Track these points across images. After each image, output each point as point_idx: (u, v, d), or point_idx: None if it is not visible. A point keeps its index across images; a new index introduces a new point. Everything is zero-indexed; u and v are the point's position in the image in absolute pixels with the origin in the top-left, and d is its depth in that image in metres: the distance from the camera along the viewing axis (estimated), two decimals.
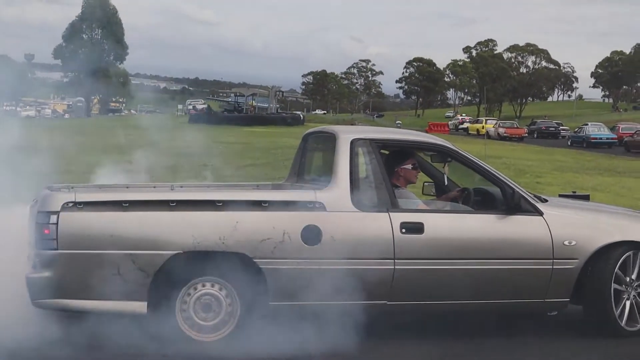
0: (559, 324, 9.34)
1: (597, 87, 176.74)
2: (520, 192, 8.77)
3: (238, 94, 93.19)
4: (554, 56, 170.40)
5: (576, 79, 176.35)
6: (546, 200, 9.13)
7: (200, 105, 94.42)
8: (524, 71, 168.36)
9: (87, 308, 7.85)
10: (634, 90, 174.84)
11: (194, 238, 7.88)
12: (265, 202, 8.17)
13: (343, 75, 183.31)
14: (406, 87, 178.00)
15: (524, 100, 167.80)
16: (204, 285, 7.99)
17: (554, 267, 8.68)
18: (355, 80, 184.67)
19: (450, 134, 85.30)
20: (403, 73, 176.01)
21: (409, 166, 9.10)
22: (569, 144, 69.03)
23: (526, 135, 78.87)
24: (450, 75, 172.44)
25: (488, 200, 8.93)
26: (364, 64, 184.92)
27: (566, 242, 8.71)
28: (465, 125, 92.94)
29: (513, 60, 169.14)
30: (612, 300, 8.73)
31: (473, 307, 8.77)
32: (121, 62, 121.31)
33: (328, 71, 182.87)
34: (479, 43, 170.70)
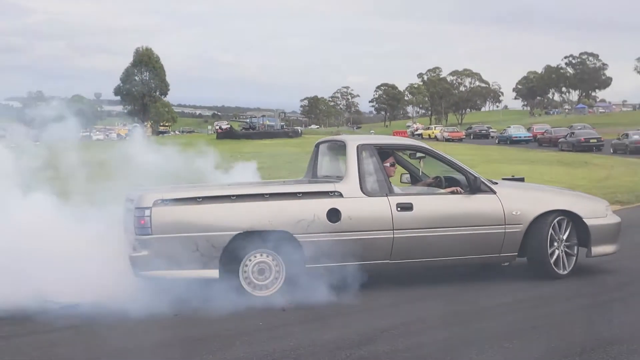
0: (510, 271, 9.84)
1: (518, 99, 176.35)
2: (479, 177, 9.27)
3: (252, 116, 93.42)
4: (485, 77, 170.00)
5: (502, 93, 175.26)
6: (496, 183, 9.56)
7: (225, 125, 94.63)
8: (463, 89, 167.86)
9: (175, 276, 8.17)
10: (545, 100, 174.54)
11: (250, 221, 8.33)
12: (299, 192, 8.68)
13: (330, 98, 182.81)
14: (376, 105, 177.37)
15: (463, 111, 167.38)
16: (259, 255, 8.38)
17: (506, 230, 9.17)
18: (339, 102, 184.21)
19: (410, 138, 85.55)
20: (374, 95, 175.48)
21: (388, 164, 9.43)
22: (497, 142, 69.09)
23: (464, 137, 79.04)
24: (408, 95, 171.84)
25: (455, 184, 9.39)
26: (345, 89, 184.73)
27: (514, 212, 9.20)
28: (420, 131, 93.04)
29: (454, 81, 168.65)
30: (548, 252, 9.22)
31: (450, 262, 9.23)
32: (165, 95, 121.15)
33: (319, 96, 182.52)
34: (429, 70, 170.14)
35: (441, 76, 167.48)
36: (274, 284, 8.41)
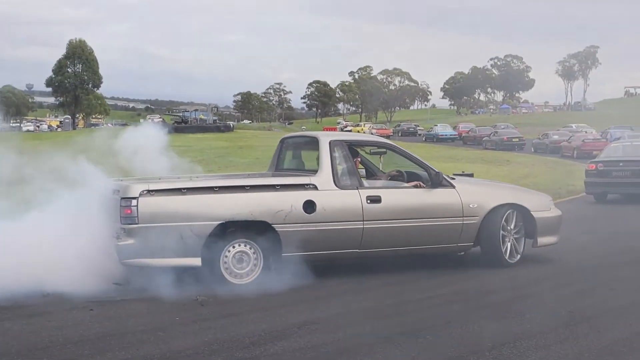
0: (465, 260, 10.33)
1: (446, 98, 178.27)
2: (440, 173, 9.72)
3: (185, 110, 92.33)
4: (414, 77, 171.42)
5: (430, 92, 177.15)
6: (454, 178, 10.09)
7: (157, 119, 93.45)
8: (393, 88, 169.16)
9: (159, 264, 8.36)
10: (471, 100, 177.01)
11: (232, 212, 8.57)
12: (277, 185, 9.00)
13: (263, 94, 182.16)
14: (308, 102, 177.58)
15: (393, 109, 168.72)
16: (238, 245, 8.63)
17: (464, 222, 9.71)
18: (271, 98, 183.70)
19: None
20: (306, 92, 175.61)
21: (357, 159, 9.89)
22: (424, 139, 69.96)
23: (391, 134, 79.60)
24: (340, 93, 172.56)
25: (415, 178, 9.85)
26: (278, 85, 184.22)
27: (471, 205, 9.76)
28: (349, 128, 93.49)
29: (385, 80, 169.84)
30: (500, 243, 9.81)
31: (414, 250, 9.67)
32: (98, 88, 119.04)
33: (252, 91, 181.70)
34: (360, 68, 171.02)
35: (372, 75, 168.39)
36: (252, 273, 8.67)
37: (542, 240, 10.31)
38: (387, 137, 76.34)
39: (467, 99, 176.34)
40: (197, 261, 8.43)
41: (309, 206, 8.90)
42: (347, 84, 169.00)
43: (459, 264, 10.19)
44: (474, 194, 9.96)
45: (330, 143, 9.45)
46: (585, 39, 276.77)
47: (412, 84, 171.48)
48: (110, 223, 8.50)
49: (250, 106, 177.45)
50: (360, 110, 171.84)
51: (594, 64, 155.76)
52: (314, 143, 9.72)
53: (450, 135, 68.61)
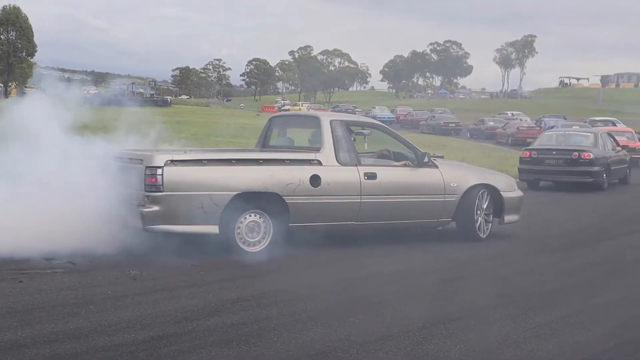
0: (443, 233, 11.25)
1: (385, 81, 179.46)
2: (427, 154, 10.69)
3: (122, 83, 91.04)
4: (354, 58, 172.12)
5: (370, 75, 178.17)
6: (436, 159, 10.89)
7: (93, 91, 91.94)
8: (332, 69, 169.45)
9: (181, 231, 8.88)
10: (410, 84, 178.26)
11: (248, 183, 9.14)
12: (287, 159, 9.66)
13: (202, 70, 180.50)
14: (247, 79, 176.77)
15: (332, 90, 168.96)
16: (250, 215, 9.16)
17: (445, 199, 10.64)
18: (210, 74, 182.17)
19: (277, 113, 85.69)
20: (245, 69, 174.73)
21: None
22: None
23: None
24: (279, 71, 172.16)
25: (402, 158, 10.68)
26: (217, 62, 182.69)
27: (452, 184, 10.68)
28: (287, 107, 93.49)
29: (324, 61, 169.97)
30: (474, 219, 10.79)
31: (402, 224, 10.58)
32: (32, 56, 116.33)
33: (191, 67, 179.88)
34: (300, 48, 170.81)
35: (312, 54, 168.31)
36: (263, 241, 9.23)
37: (508, 218, 11.33)
38: None
39: (405, 82, 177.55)
40: (214, 229, 8.92)
41: (315, 180, 9.57)
42: (286, 63, 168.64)
43: (407, 243, 10.35)
44: (453, 174, 10.84)
45: (330, 122, 10.13)
46: (523, 28, 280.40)
47: (352, 65, 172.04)
48: (121, 189, 8.90)
49: (189, 82, 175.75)
50: (299, 89, 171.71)
51: (531, 53, 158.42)
52: (313, 122, 10.51)
53: (388, 118, 68.90)
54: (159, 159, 8.77)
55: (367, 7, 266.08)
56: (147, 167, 8.74)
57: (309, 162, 9.75)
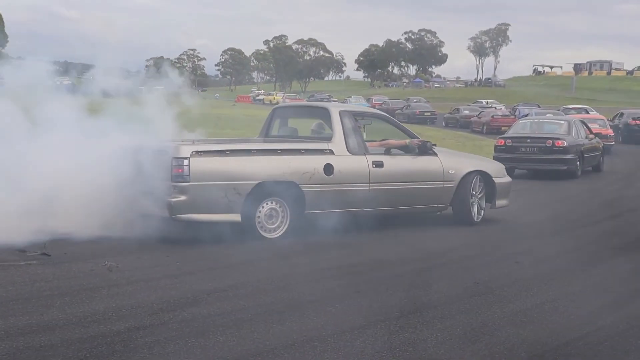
0: (441, 218, 11.73)
1: (360, 70, 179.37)
2: (429, 142, 11.19)
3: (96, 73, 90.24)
4: (329, 47, 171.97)
5: (345, 64, 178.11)
6: (434, 147, 11.36)
7: (67, 82, 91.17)
8: (307, 58, 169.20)
9: (206, 219, 9.21)
10: (385, 73, 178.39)
11: (268, 172, 9.54)
12: (303, 149, 10.08)
13: (176, 60, 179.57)
14: (222, 69, 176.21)
15: (307, 80, 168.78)
16: (269, 203, 9.58)
17: (444, 185, 11.23)
18: (185, 64, 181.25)
19: (253, 103, 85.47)
20: (220, 59, 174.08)
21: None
22: None
23: None
24: (254, 61, 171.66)
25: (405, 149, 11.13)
26: (192, 52, 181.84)
27: (450, 171, 11.28)
28: (261, 97, 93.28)
29: (300, 50, 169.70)
30: (470, 204, 11.37)
31: (406, 210, 11.13)
32: (3, 47, 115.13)
33: (165, 57, 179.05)
34: (275, 37, 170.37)
35: (287, 44, 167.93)
36: (280, 228, 9.68)
37: (499, 202, 11.96)
38: None
39: (381, 71, 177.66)
40: (237, 217, 9.31)
41: (328, 169, 10.00)
42: (261, 52, 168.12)
43: (382, 233, 10.36)
44: (451, 161, 11.40)
45: (340, 113, 10.58)
46: (497, 16, 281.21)
47: (327, 54, 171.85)
48: (144, 180, 9.23)
49: (163, 72, 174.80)
50: (274, 79, 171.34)
51: (505, 42, 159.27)
52: (322, 113, 11.00)
53: (364, 107, 69.02)
54: (185, 150, 9.04)
55: None
56: (173, 158, 9.02)
57: (322, 151, 10.16)
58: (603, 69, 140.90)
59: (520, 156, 20.34)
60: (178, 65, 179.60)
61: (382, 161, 10.57)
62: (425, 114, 55.81)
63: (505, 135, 22.21)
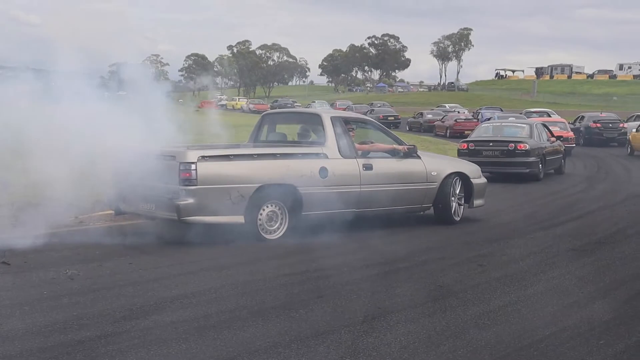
0: (423, 218, 12.36)
1: (324, 75, 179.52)
2: (414, 146, 11.77)
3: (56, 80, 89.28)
4: (292, 52, 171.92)
5: (309, 69, 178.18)
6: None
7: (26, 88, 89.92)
8: (271, 63, 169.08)
9: (213, 221, 9.55)
10: (349, 77, 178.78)
11: (269, 176, 9.93)
12: (300, 154, 10.53)
13: (139, 65, 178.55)
14: (186, 74, 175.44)
15: (271, 85, 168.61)
16: (270, 205, 9.94)
17: (427, 187, 11.78)
18: (149, 69, 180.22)
19: (217, 109, 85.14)
20: (183, 64, 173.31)
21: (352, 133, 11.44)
22: None
23: (269, 109, 79.55)
24: (218, 66, 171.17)
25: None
26: (155, 57, 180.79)
27: (432, 173, 11.85)
28: (224, 102, 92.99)
29: (263, 55, 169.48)
30: (450, 204, 11.96)
31: (393, 210, 11.60)
32: None
33: (128, 62, 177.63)
34: (239, 42, 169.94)
35: (250, 49, 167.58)
36: (280, 229, 10.07)
37: (476, 202, 12.59)
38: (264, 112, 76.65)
39: (344, 76, 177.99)
40: (241, 219, 9.65)
41: (323, 172, 10.43)
42: (225, 57, 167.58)
43: (344, 237, 10.31)
44: (433, 163, 11.98)
45: (331, 118, 10.99)
46: (459, 21, 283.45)
47: (291, 60, 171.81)
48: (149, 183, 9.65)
49: (126, 77, 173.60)
50: (238, 84, 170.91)
51: (467, 46, 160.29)
52: (314, 119, 11.43)
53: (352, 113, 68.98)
54: (192, 155, 9.39)
55: (305, 2, 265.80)
56: (181, 162, 9.34)
57: (317, 155, 10.59)
58: (564, 73, 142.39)
59: (483, 159, 20.42)
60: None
61: (371, 164, 11.06)
62: (388, 118, 55.94)
63: (468, 139, 22.36)
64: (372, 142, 11.70)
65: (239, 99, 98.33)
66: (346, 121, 11.43)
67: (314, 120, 11.46)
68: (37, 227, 9.30)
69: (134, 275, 7.79)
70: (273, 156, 10.24)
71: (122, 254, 8.80)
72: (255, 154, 10.15)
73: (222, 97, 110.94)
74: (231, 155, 9.88)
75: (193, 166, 9.31)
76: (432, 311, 6.62)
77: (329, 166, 10.54)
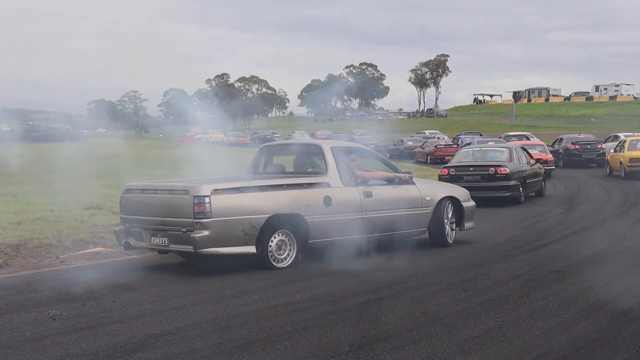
0: (419, 241, 12.71)
1: (303, 105, 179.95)
2: (409, 173, 12.18)
3: (35, 118, 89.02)
4: (271, 84, 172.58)
5: (288, 100, 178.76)
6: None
7: (5, 128, 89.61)
8: (250, 95, 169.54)
9: (227, 252, 9.82)
10: (328, 107, 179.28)
11: (278, 206, 10.22)
12: (305, 183, 10.79)
13: (118, 102, 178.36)
14: (165, 109, 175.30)
15: (251, 117, 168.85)
16: (279, 235, 10.22)
17: (422, 211, 12.16)
18: (127, 106, 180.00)
19: (197, 143, 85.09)
20: (162, 99, 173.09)
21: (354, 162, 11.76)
22: None
23: (249, 141, 79.64)
24: (197, 100, 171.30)
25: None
26: (133, 93, 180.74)
27: (427, 198, 12.26)
28: (199, 136, 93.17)
29: (242, 88, 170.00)
30: (444, 227, 12.37)
31: (391, 235, 11.83)
32: None
33: (106, 99, 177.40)
34: (217, 76, 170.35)
35: (229, 82, 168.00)
36: (289, 257, 10.33)
37: (467, 225, 12.99)
38: (246, 144, 76.66)
39: (323, 106, 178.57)
40: (253, 249, 9.94)
41: (327, 200, 10.73)
42: (204, 91, 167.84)
43: (325, 268, 10.31)
44: (427, 189, 12.39)
45: (332, 149, 11.36)
46: (435, 48, 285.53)
47: (270, 91, 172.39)
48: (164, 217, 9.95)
49: (105, 114, 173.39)
50: (217, 117, 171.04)
51: (445, 72, 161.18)
52: (315, 149, 11.81)
53: (349, 143, 68.95)
54: (206, 189, 9.65)
55: (281, 34, 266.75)
56: (194, 196, 9.58)
57: (321, 184, 10.88)
58: (541, 96, 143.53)
59: (464, 184, 20.31)
60: (120, 107, 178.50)
61: (370, 191, 11.39)
62: (369, 146, 56.06)
63: (448, 164, 22.47)
64: (368, 171, 12.01)
65: (212, 132, 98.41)
66: (345, 151, 11.77)
67: (315, 151, 11.86)
68: (18, 268, 9.23)
69: (117, 313, 7.73)
70: (281, 187, 10.51)
71: (104, 292, 8.74)
72: (264, 185, 10.39)
73: (196, 130, 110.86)
74: (242, 187, 10.16)
75: (207, 199, 9.57)
76: (418, 338, 6.63)
77: (332, 195, 10.85)
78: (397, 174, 12.12)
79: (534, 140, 38.34)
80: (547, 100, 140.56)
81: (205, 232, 9.56)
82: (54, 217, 15.07)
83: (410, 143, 52.39)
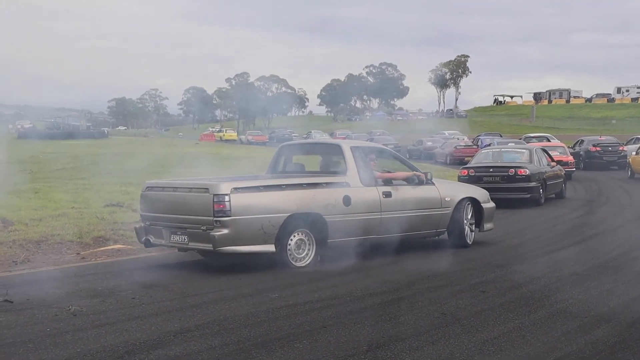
0: (438, 242, 12.70)
1: (322, 105, 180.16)
2: (429, 173, 12.11)
3: (57, 116, 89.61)
4: (290, 83, 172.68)
5: (307, 99, 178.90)
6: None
7: (28, 125, 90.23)
8: (270, 95, 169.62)
9: (246, 250, 9.84)
10: (348, 107, 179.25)
11: (298, 205, 10.20)
12: (325, 183, 10.77)
13: (138, 100, 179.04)
14: (185, 108, 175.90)
15: (271, 116, 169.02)
16: (298, 234, 10.24)
17: (442, 212, 12.16)
18: (147, 104, 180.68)
19: (216, 141, 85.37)
20: (182, 98, 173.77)
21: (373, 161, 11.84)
22: None
23: (267, 140, 79.84)
24: (217, 99, 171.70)
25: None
26: (154, 91, 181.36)
27: (446, 199, 12.24)
28: (221, 134, 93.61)
29: (262, 87, 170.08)
30: (464, 228, 12.35)
31: (411, 235, 11.90)
32: None
33: (127, 97, 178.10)
34: (237, 75, 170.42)
35: (249, 81, 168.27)
36: (307, 257, 10.34)
37: (487, 226, 13.00)
38: (264, 143, 76.84)
39: (343, 105, 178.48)
40: (272, 248, 9.94)
41: (347, 200, 10.72)
42: (224, 90, 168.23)
43: (342, 267, 10.33)
44: (446, 189, 12.41)
45: (351, 148, 11.40)
46: (456, 48, 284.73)
47: (290, 91, 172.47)
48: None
49: (126, 112, 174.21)
50: (237, 116, 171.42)
51: (465, 73, 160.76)
52: (335, 149, 11.89)
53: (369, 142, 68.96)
54: (225, 187, 9.67)
55: (301, 33, 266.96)
56: (214, 194, 9.60)
57: (340, 184, 10.87)
58: (562, 97, 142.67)
59: (483, 185, 20.22)
60: (140, 105, 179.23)
61: (390, 191, 11.41)
62: (388, 146, 55.92)
63: (468, 165, 22.41)
64: (388, 171, 12.06)
65: (225, 130, 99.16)
66: (365, 150, 11.83)
67: (335, 151, 11.93)
68: (39, 264, 9.30)
69: (137, 310, 7.78)
70: (300, 186, 10.54)
71: (124, 289, 8.79)
72: (284, 185, 10.43)
73: (213, 129, 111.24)
74: (261, 186, 10.22)
75: (227, 197, 9.58)
76: (436, 339, 6.62)
77: (352, 194, 10.85)
78: (416, 173, 12.11)
79: (555, 141, 38.11)
80: (568, 101, 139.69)
81: (225, 231, 9.58)
82: (74, 214, 15.18)
83: (429, 144, 52.30)
